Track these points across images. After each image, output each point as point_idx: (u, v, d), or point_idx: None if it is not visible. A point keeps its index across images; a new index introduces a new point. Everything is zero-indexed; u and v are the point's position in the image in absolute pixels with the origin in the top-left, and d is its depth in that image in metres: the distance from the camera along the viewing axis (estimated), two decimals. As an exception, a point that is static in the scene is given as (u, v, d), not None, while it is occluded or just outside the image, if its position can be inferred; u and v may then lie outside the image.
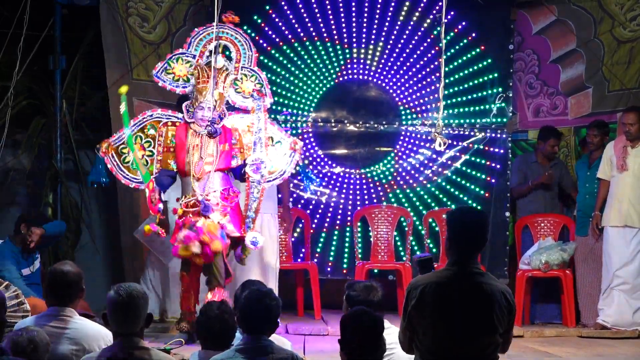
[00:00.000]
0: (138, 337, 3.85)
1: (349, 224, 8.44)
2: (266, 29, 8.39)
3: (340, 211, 8.46)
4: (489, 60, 8.47)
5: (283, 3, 8.42)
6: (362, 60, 8.52)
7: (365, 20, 8.48)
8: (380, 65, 8.53)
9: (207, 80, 6.37)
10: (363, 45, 8.51)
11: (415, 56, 8.50)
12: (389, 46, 8.51)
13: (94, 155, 8.69)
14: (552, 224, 8.21)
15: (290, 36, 8.44)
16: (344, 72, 8.53)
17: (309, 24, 8.46)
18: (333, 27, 8.48)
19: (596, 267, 7.75)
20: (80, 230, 8.42)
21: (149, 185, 6.30)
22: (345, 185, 8.49)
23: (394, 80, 8.54)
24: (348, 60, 8.51)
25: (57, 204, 8.20)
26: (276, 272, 7.43)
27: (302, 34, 8.45)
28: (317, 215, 8.37)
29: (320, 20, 8.46)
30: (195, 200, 6.30)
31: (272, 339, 4.10)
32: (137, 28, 8.32)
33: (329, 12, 8.46)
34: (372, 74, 8.54)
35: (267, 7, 8.38)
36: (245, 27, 8.25)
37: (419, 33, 8.47)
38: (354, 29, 8.49)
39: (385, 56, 8.52)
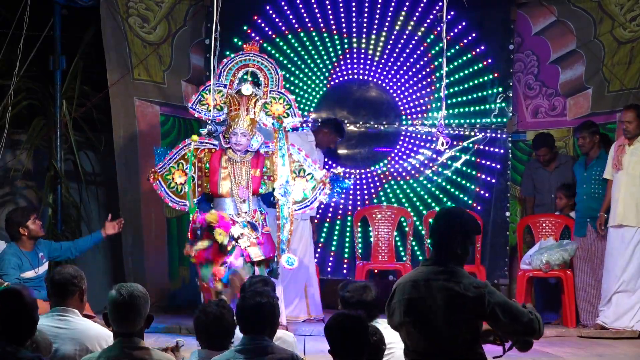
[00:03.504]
0: (138, 337, 3.84)
1: (349, 224, 8.44)
2: (266, 29, 8.40)
3: (340, 211, 8.47)
4: (489, 60, 8.47)
5: (283, 3, 8.42)
6: (362, 61, 8.53)
7: (365, 20, 8.49)
8: (381, 66, 8.53)
9: (238, 108, 6.60)
10: (363, 46, 8.52)
11: (415, 56, 8.50)
12: (389, 46, 8.51)
13: (94, 155, 8.74)
14: (553, 224, 8.21)
15: (290, 36, 8.45)
16: (344, 73, 8.53)
17: (309, 24, 8.47)
18: (333, 27, 8.48)
19: (594, 268, 7.75)
20: (81, 230, 8.42)
21: (194, 217, 6.58)
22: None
23: (394, 80, 8.54)
24: (348, 61, 8.52)
25: (57, 204, 8.19)
26: (313, 275, 7.82)
27: (302, 34, 8.46)
28: (318, 215, 8.37)
29: (320, 20, 8.47)
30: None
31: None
32: (138, 28, 8.32)
33: (329, 11, 8.47)
34: (372, 74, 8.54)
35: (267, 7, 8.39)
36: (245, 27, 8.31)
37: (419, 33, 8.47)
38: (354, 29, 8.50)
39: (385, 56, 8.52)
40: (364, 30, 8.50)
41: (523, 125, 8.78)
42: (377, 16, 8.48)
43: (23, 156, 8.41)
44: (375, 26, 8.50)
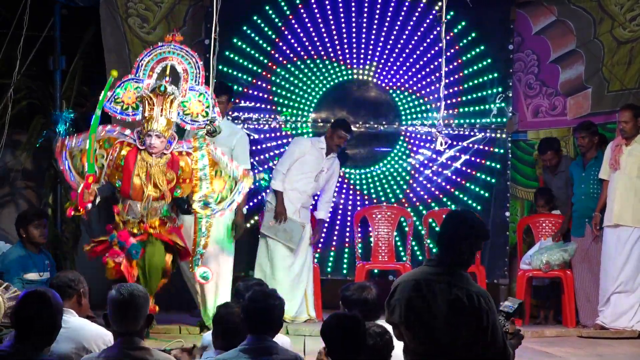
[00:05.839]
0: (138, 337, 3.85)
1: (349, 224, 8.44)
2: (265, 29, 8.39)
3: (340, 211, 8.46)
4: (489, 60, 8.46)
5: (282, 3, 8.42)
6: (362, 60, 8.52)
7: (365, 19, 8.49)
8: (380, 66, 8.53)
9: (153, 108, 6.32)
10: (363, 45, 8.51)
11: (415, 56, 8.50)
12: (388, 46, 8.51)
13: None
14: (553, 224, 8.21)
15: (289, 36, 8.44)
16: (344, 73, 8.53)
17: (309, 24, 8.46)
18: (333, 26, 8.48)
19: (592, 268, 7.75)
20: (80, 230, 8.42)
21: (88, 178, 6.26)
22: (345, 186, 8.49)
23: (394, 80, 8.54)
24: (348, 61, 8.51)
25: (56, 204, 8.20)
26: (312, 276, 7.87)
27: (301, 34, 8.45)
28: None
29: (320, 20, 8.46)
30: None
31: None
32: (137, 29, 8.32)
33: (329, 12, 8.46)
34: (372, 74, 8.54)
35: (267, 8, 8.39)
36: (244, 28, 8.32)
37: (419, 33, 8.47)
38: (354, 29, 8.49)
39: (385, 56, 8.52)
40: (364, 30, 8.50)
41: (524, 125, 8.78)
42: (377, 16, 8.48)
43: (23, 156, 8.42)
44: (374, 26, 8.49)
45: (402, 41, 8.50)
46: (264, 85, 8.44)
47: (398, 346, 4.20)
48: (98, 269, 8.39)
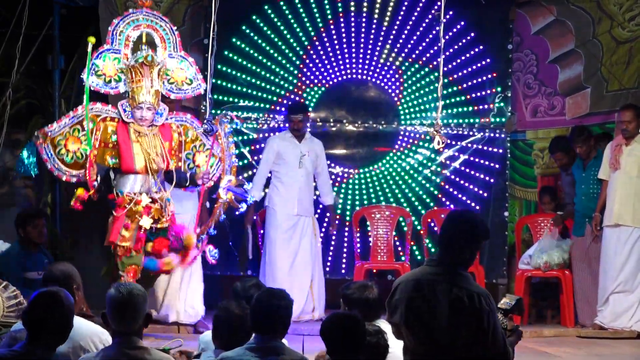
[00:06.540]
0: (137, 337, 3.85)
1: (348, 224, 8.44)
2: (265, 28, 8.40)
3: (339, 211, 8.46)
4: (488, 60, 8.47)
5: (282, 3, 8.42)
6: (360, 60, 8.52)
7: (364, 20, 8.49)
8: (379, 65, 8.53)
9: (140, 80, 6.19)
10: (362, 45, 8.51)
11: (414, 56, 8.50)
12: (387, 45, 8.51)
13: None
14: (552, 224, 8.21)
15: (289, 36, 8.45)
16: (343, 72, 8.53)
17: (308, 24, 8.46)
18: (332, 26, 8.48)
19: (592, 268, 7.74)
20: (80, 229, 8.42)
21: (91, 154, 6.06)
22: (344, 185, 8.49)
23: (393, 80, 8.54)
24: (347, 61, 8.51)
25: (55, 203, 8.19)
26: (320, 273, 7.90)
27: (300, 34, 8.46)
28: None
29: (319, 20, 8.46)
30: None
31: None
32: (136, 28, 8.30)
33: (328, 12, 8.46)
34: (371, 73, 8.54)
35: (266, 7, 8.39)
36: (244, 27, 8.32)
37: (418, 32, 8.47)
38: (353, 29, 8.50)
39: (384, 56, 8.52)
40: (363, 30, 8.50)
41: (522, 125, 8.78)
42: (376, 16, 8.49)
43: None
44: (373, 26, 8.50)
45: (401, 40, 8.50)
46: (263, 84, 8.44)
47: (398, 346, 4.20)
48: (97, 268, 8.43)
